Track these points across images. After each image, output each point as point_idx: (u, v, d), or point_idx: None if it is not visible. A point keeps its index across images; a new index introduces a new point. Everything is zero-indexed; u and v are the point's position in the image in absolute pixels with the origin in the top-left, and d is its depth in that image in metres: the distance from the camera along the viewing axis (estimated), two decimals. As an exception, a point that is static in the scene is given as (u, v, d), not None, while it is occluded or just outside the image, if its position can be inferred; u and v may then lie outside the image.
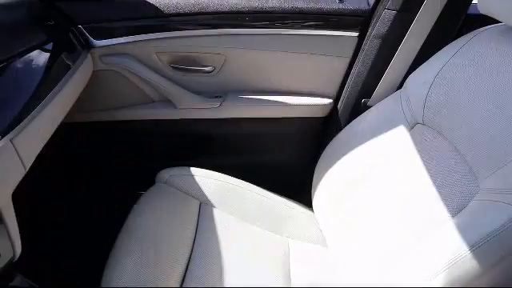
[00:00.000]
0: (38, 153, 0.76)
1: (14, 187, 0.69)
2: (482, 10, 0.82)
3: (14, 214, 0.69)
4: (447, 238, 0.66)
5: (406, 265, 0.71)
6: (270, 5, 1.15)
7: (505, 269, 0.62)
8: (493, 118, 0.72)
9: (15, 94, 0.76)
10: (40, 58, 0.90)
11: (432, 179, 0.79)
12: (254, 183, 1.19)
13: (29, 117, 0.73)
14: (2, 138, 0.65)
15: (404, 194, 0.84)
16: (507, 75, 0.74)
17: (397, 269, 0.74)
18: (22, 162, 0.70)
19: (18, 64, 0.82)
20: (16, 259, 0.69)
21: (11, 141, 0.67)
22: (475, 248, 0.61)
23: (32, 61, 0.87)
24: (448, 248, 0.64)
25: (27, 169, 0.72)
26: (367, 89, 1.21)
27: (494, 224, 0.61)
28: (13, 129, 0.68)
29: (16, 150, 0.68)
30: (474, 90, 0.79)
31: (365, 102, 1.23)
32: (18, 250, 0.69)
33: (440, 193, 0.75)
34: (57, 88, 0.86)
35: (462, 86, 0.82)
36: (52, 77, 0.88)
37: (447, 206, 0.72)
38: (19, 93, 0.77)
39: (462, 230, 0.65)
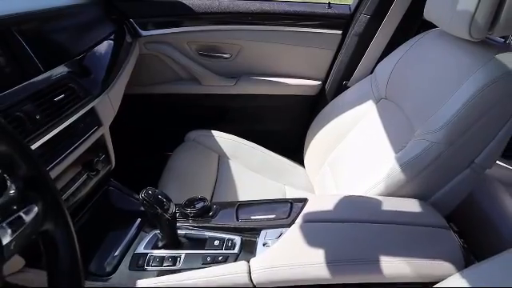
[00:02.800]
0: (119, 103, 1.09)
1: (110, 123, 1.01)
2: (427, 17, 1.08)
3: (110, 139, 1.01)
4: (387, 164, 0.97)
5: (362, 185, 1.02)
6: (276, 8, 1.44)
7: (422, 180, 0.93)
8: (426, 92, 1.01)
9: (103, 68, 1.08)
10: (110, 43, 1.22)
11: (387, 134, 1.09)
12: (259, 144, 1.46)
13: (113, 82, 1.06)
14: (103, 92, 0.99)
15: (368, 145, 1.15)
16: (437, 64, 1.03)
17: (357, 191, 1.03)
18: (113, 108, 1.03)
19: (100, 47, 1.14)
20: (112, 169, 1.02)
21: (107, 95, 1.00)
22: (402, 166, 0.93)
23: (106, 45, 1.19)
24: (386, 169, 0.96)
25: (115, 112, 1.04)
26: (347, 73, 1.49)
27: (414, 152, 0.92)
28: (107, 88, 1.01)
29: (110, 100, 1.01)
30: (417, 75, 1.08)
31: (345, 83, 1.50)
32: (113, 163, 1.02)
33: (391, 142, 1.06)
34: (123, 65, 1.19)
35: (411, 72, 1.11)
36: (120, 57, 1.21)
37: (394, 148, 1.03)
38: (103, 67, 1.09)
39: (396, 158, 0.96)
